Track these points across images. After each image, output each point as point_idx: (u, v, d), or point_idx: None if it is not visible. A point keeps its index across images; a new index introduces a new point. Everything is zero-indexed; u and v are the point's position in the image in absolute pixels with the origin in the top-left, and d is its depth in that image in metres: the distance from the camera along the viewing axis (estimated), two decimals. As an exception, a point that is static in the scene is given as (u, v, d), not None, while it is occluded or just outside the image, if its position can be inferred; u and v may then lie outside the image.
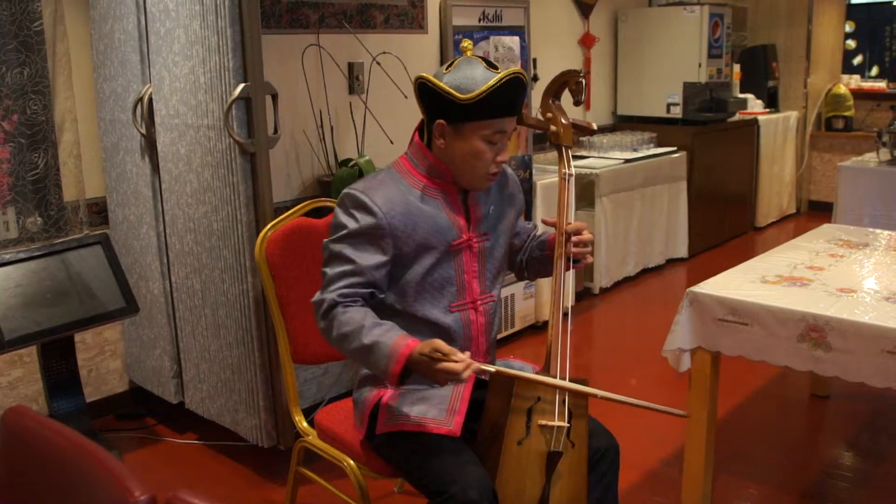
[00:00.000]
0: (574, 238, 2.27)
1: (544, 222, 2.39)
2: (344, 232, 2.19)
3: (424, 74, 2.21)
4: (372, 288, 2.21)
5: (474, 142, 2.17)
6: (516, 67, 2.20)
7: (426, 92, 2.20)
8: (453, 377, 2.00)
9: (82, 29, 3.73)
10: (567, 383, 2.15)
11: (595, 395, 2.15)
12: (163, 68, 3.31)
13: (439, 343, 2.03)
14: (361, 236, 2.18)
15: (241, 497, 3.29)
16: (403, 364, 2.06)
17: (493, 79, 2.12)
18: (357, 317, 2.14)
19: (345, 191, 2.24)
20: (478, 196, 2.34)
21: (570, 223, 2.28)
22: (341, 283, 2.17)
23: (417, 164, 2.28)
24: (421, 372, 2.06)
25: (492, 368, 2.09)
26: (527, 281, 4.91)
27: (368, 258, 2.18)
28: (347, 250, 2.18)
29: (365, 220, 2.17)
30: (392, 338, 2.09)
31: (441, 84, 2.15)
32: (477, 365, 2.04)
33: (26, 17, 3.48)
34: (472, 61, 2.18)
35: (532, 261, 2.53)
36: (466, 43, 2.28)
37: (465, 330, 2.31)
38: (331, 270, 2.20)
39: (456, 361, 1.99)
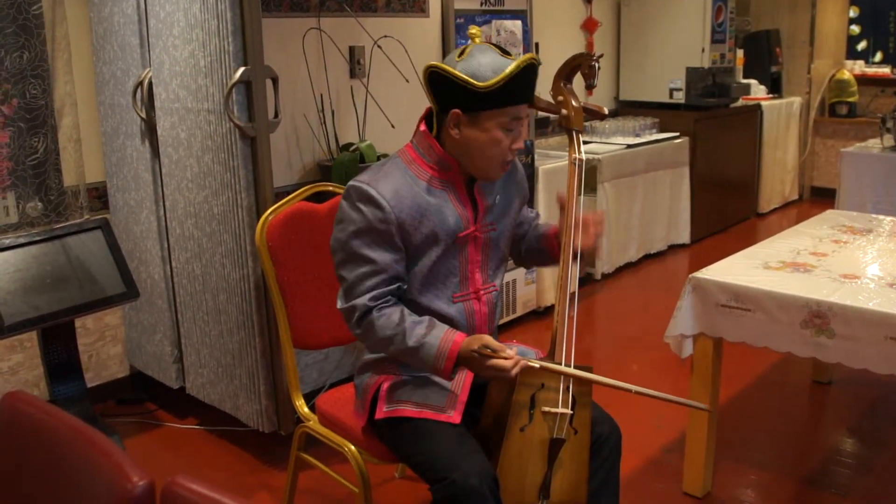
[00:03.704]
0: (592, 231, 2.28)
1: (560, 198, 2.34)
2: (353, 228, 2.15)
3: (436, 63, 2.15)
4: (397, 283, 2.19)
5: (492, 130, 2.13)
6: (531, 54, 2.17)
7: (439, 81, 2.14)
8: (502, 373, 2.03)
9: (81, 12, 3.71)
10: (602, 378, 2.15)
11: (626, 389, 2.13)
12: (162, 52, 3.29)
13: (488, 339, 2.05)
14: (372, 232, 2.14)
15: (242, 482, 3.29)
16: (455, 360, 2.08)
17: (512, 65, 2.08)
18: (394, 318, 2.14)
19: (350, 183, 2.20)
20: (484, 186, 2.30)
21: (588, 213, 2.27)
22: (368, 286, 2.15)
23: (424, 155, 2.24)
24: (470, 367, 2.09)
25: (537, 364, 2.09)
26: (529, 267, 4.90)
27: (385, 254, 2.15)
28: (364, 249, 2.15)
29: (373, 213, 2.13)
30: (437, 336, 2.11)
31: (457, 72, 2.09)
32: (525, 362, 2.05)
33: (25, 1, 3.46)
34: (485, 48, 2.14)
35: (531, 252, 2.53)
36: (475, 29, 2.22)
37: (469, 320, 2.29)
38: (350, 274, 2.17)
39: (506, 358, 2.01)
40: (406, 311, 2.17)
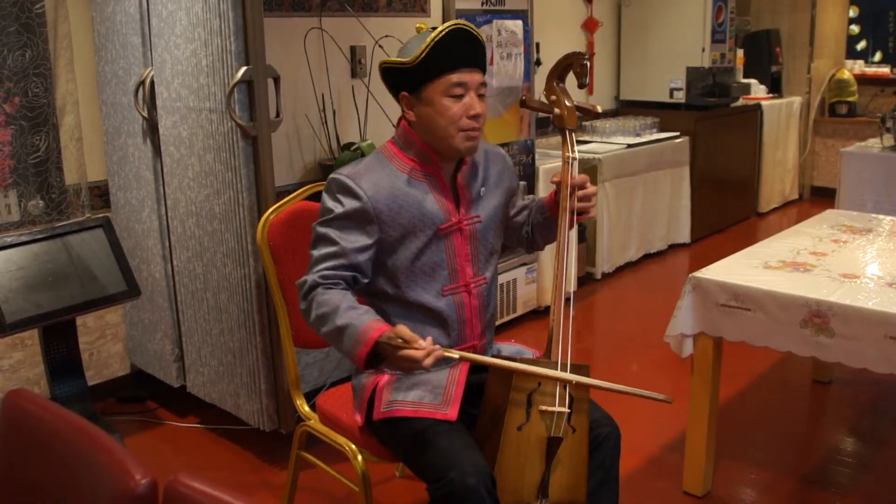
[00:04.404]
0: (579, 192, 2.27)
1: (553, 181, 2.36)
2: (329, 216, 2.21)
3: (384, 58, 2.27)
4: (354, 271, 2.21)
5: (437, 101, 2.18)
6: (460, 20, 2.21)
7: (386, 73, 2.25)
8: (415, 365, 1.98)
9: (83, 11, 3.71)
10: (544, 370, 2.12)
11: (571, 382, 2.13)
12: (164, 51, 3.30)
13: (402, 329, 2.00)
14: (346, 219, 2.19)
15: (243, 481, 3.29)
16: (371, 347, 2.04)
17: (433, 33, 2.15)
18: (335, 299, 2.13)
19: (331, 175, 2.26)
20: (468, 177, 2.33)
21: (573, 176, 2.27)
22: (324, 265, 2.18)
23: (404, 148, 2.29)
24: (386, 358, 2.05)
25: (456, 355, 2.06)
26: (529, 266, 4.90)
27: (352, 241, 2.19)
28: (332, 233, 2.19)
29: (350, 204, 2.18)
30: (364, 321, 2.08)
31: (391, 58, 2.22)
32: (440, 352, 2.01)
33: (27, 0, 3.47)
34: (421, 34, 2.21)
35: (536, 227, 2.52)
36: (420, 24, 2.31)
37: (459, 313, 2.31)
38: (316, 252, 2.21)
39: (417, 349, 1.97)
40: (349, 296, 2.17)
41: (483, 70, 2.25)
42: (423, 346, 1.98)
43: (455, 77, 2.17)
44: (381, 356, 2.07)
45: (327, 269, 2.18)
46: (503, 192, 2.43)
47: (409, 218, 2.22)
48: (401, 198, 2.22)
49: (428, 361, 1.97)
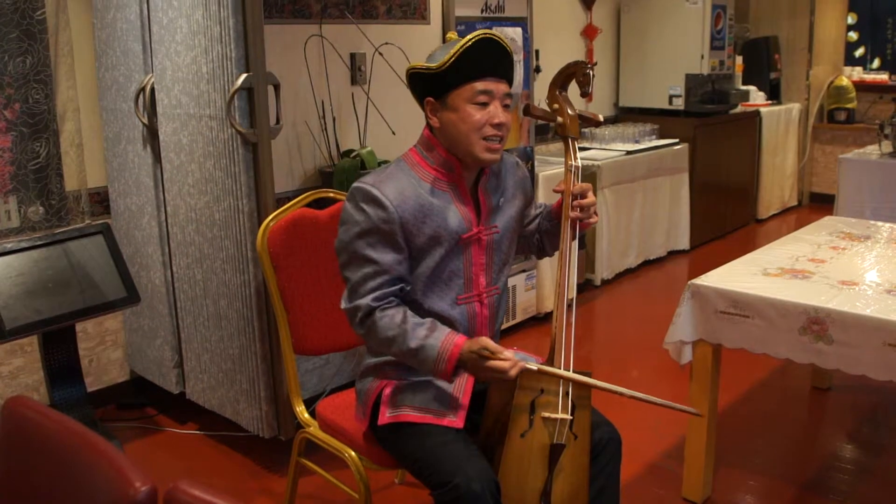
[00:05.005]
0: (574, 203, 2.27)
1: (556, 191, 2.37)
2: (357, 229, 2.18)
3: (412, 63, 2.27)
4: (400, 283, 2.21)
5: (462, 108, 2.18)
6: (486, 30, 2.21)
7: (412, 78, 2.25)
8: (501, 375, 2.03)
9: (84, 18, 3.72)
10: (598, 382, 2.15)
11: (619, 393, 2.14)
12: (165, 58, 3.30)
13: (487, 341, 2.06)
14: (375, 233, 2.16)
15: (242, 488, 3.29)
16: (455, 363, 2.08)
17: (462, 41, 2.16)
18: (397, 319, 2.14)
19: (354, 185, 2.23)
20: (488, 187, 2.33)
21: (576, 184, 2.28)
22: (370, 286, 2.17)
23: (427, 157, 2.27)
24: (469, 369, 2.10)
25: (534, 367, 2.10)
26: (528, 273, 4.91)
27: (389, 255, 2.17)
28: (366, 250, 2.17)
29: (376, 214, 2.16)
30: (439, 338, 2.11)
31: (419, 63, 2.21)
32: (523, 363, 2.06)
33: (28, 6, 3.47)
34: (450, 42, 2.22)
35: (545, 234, 2.53)
36: (451, 34, 2.32)
37: (470, 322, 2.30)
38: (354, 275, 2.19)
39: (504, 360, 2.02)
40: (409, 312, 2.18)
41: (510, 81, 2.25)
42: (509, 357, 2.03)
43: (480, 85, 2.17)
44: (459, 367, 2.11)
45: (375, 289, 2.17)
46: (519, 202, 2.43)
47: (433, 228, 2.21)
48: (426, 207, 2.21)
49: (513, 372, 2.03)
